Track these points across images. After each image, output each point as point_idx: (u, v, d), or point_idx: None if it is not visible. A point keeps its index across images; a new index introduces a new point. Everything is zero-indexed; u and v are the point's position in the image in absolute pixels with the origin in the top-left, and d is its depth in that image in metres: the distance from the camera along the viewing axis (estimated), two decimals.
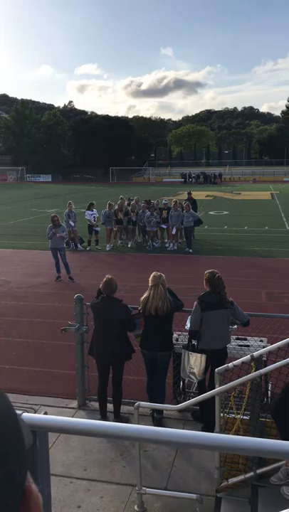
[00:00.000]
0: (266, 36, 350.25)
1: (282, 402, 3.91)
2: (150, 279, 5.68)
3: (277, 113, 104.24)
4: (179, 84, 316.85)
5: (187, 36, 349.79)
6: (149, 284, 5.65)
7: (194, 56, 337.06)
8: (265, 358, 4.99)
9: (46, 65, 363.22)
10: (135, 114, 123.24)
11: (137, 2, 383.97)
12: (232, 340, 5.80)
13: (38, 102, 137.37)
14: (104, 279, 5.75)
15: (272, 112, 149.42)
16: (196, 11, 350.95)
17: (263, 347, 5.25)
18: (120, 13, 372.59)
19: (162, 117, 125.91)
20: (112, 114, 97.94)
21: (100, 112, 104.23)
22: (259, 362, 4.22)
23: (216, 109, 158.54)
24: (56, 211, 21.48)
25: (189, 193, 20.44)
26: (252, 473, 4.05)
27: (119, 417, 5.71)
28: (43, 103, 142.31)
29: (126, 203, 18.35)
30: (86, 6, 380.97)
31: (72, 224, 16.20)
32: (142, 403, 4.48)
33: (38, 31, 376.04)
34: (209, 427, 4.69)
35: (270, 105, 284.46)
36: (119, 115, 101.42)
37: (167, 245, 17.52)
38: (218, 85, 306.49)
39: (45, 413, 1.47)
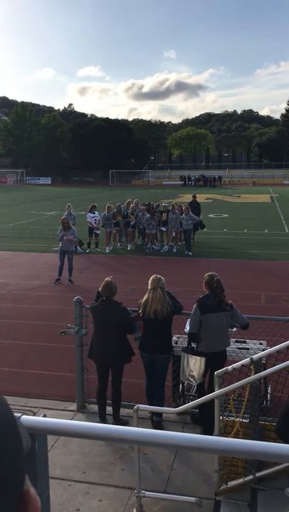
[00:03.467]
0: (268, 39, 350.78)
1: (286, 419, 3.87)
2: (149, 281, 5.68)
3: (278, 116, 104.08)
4: (180, 86, 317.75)
5: (190, 39, 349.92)
6: (148, 287, 5.66)
7: (196, 59, 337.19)
8: (264, 361, 4.99)
9: (48, 67, 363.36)
10: (136, 117, 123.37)
11: (141, 5, 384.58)
12: (231, 343, 5.80)
13: (38, 105, 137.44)
14: (104, 282, 5.74)
15: (274, 115, 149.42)
16: (200, 14, 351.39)
17: (263, 350, 5.25)
18: (124, 16, 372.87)
19: (163, 120, 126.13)
20: (112, 116, 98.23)
21: (101, 115, 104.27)
22: (258, 365, 4.21)
23: (218, 112, 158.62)
24: (56, 214, 21.50)
25: (194, 196, 20.37)
26: (251, 477, 4.04)
27: (118, 420, 5.69)
28: (43, 106, 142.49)
29: (124, 205, 18.26)
30: (89, 8, 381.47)
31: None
32: (141, 406, 4.47)
33: (40, 34, 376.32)
34: (208, 430, 4.68)
35: (271, 108, 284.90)
36: (120, 118, 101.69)
37: (160, 247, 17.55)
38: (220, 88, 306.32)
39: (44, 416, 1.47)
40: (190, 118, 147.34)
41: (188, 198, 26.64)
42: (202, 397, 4.49)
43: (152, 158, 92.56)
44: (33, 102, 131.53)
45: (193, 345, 5.60)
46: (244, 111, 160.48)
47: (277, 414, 4.46)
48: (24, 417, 1.36)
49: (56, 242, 13.21)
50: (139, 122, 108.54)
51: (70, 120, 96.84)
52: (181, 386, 6.18)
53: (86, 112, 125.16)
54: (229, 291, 5.83)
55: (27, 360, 7.60)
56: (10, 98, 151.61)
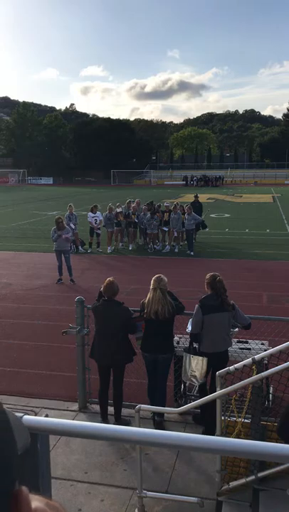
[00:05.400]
0: (272, 38, 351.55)
1: (288, 419, 3.86)
2: (151, 281, 5.68)
3: (280, 116, 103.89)
4: (183, 86, 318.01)
5: (194, 39, 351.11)
6: (150, 287, 5.66)
7: (200, 58, 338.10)
8: (266, 361, 4.98)
9: (52, 67, 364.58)
10: (138, 117, 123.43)
11: (145, 4, 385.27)
12: (233, 343, 5.79)
13: (40, 105, 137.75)
14: (106, 282, 5.75)
15: (276, 115, 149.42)
16: (203, 14, 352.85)
17: (265, 350, 5.24)
18: (128, 15, 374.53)
19: (165, 120, 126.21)
20: (114, 116, 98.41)
21: (103, 115, 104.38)
22: (260, 365, 4.21)
23: (220, 111, 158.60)
24: (57, 214, 21.51)
25: (196, 196, 20.37)
26: (253, 477, 4.03)
27: (119, 420, 5.69)
28: (45, 106, 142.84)
29: (124, 205, 18.23)
30: (93, 8, 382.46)
31: (73, 226, 16.21)
32: (143, 406, 4.47)
33: (43, 34, 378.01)
34: (210, 430, 4.67)
35: (274, 108, 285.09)
36: (123, 118, 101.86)
37: (162, 247, 17.55)
38: (223, 88, 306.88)
39: (46, 416, 1.47)
40: (192, 118, 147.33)
41: (190, 198, 26.62)
42: (204, 397, 4.48)
43: (154, 158, 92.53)
44: (34, 102, 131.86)
45: (195, 345, 5.60)
46: (246, 111, 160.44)
47: (279, 414, 4.46)
48: (26, 416, 1.36)
49: None
50: (140, 122, 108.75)
51: (71, 120, 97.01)
52: (182, 386, 6.18)
53: (88, 112, 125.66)
54: (231, 292, 5.83)
55: (29, 360, 7.61)
56: (12, 98, 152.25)
